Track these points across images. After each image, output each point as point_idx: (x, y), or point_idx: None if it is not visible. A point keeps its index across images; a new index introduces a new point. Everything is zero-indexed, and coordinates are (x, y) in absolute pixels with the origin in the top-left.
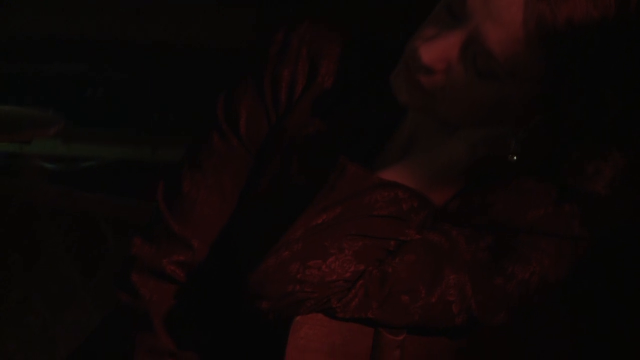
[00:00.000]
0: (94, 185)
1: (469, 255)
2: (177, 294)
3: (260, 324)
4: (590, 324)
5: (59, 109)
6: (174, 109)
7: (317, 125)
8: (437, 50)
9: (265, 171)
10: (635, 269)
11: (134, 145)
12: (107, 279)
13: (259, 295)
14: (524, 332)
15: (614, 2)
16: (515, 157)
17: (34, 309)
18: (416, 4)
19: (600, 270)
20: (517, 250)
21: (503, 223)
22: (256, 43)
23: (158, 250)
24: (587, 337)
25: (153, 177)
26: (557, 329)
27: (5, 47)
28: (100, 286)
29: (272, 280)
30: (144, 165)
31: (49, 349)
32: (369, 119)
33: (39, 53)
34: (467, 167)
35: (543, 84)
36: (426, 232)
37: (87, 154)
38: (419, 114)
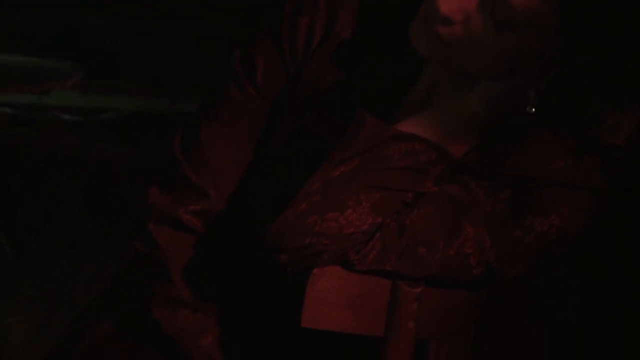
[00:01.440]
0: (112, 136)
1: (488, 208)
2: (194, 244)
3: (278, 276)
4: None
5: (77, 61)
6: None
7: (334, 76)
8: (455, 0)
9: (281, 123)
10: None
11: (152, 97)
12: (126, 230)
13: (277, 248)
14: (541, 285)
15: None
16: (533, 109)
17: (54, 260)
18: None
19: (612, 236)
20: (536, 202)
21: (522, 175)
22: None
23: (175, 199)
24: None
25: (171, 128)
26: (574, 283)
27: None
28: (118, 237)
29: (289, 232)
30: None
31: (69, 299)
32: (387, 72)
33: (57, 5)
34: (485, 120)
35: (561, 35)
36: (444, 184)
37: (105, 105)
38: (437, 65)
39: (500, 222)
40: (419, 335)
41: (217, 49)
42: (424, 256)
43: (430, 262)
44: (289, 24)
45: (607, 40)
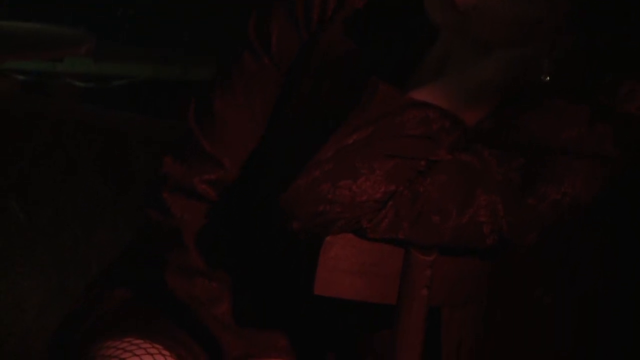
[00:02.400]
0: (125, 103)
1: (501, 176)
2: (208, 213)
3: (291, 244)
4: (614, 256)
5: (90, 28)
6: (204, 29)
7: (349, 45)
8: None
9: (295, 91)
10: None
11: (165, 64)
12: (138, 198)
13: (290, 216)
14: (554, 255)
15: None
16: (548, 78)
17: (67, 227)
18: None
19: (625, 205)
20: (550, 170)
21: (536, 143)
22: None
23: (189, 168)
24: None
25: (184, 95)
26: (587, 252)
27: None
28: (131, 205)
29: (302, 200)
30: (174, 84)
31: (82, 266)
32: (401, 41)
33: None
34: (499, 88)
35: (575, 2)
36: (458, 152)
37: (118, 72)
38: (451, 34)
39: (513, 190)
40: (431, 303)
41: (230, 16)
42: (436, 224)
43: (443, 230)
44: None
45: (622, 7)
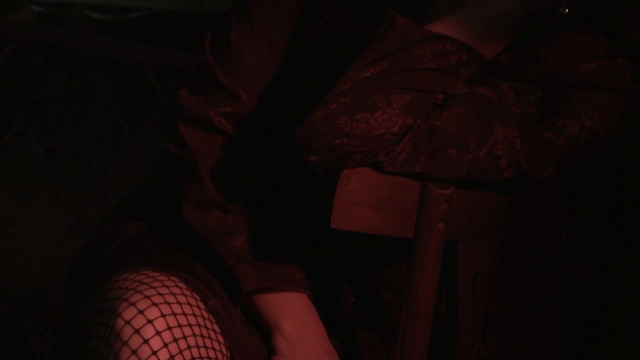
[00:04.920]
0: (142, 35)
1: (519, 109)
2: (225, 145)
3: (308, 177)
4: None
5: None
6: None
7: None
8: None
9: (312, 25)
10: None
11: None
12: (156, 129)
13: (307, 149)
14: (572, 188)
15: None
16: (567, 10)
17: (84, 159)
18: None
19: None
20: (568, 104)
21: (554, 76)
22: None
23: (205, 101)
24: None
25: (201, 27)
26: (606, 186)
27: None
28: (148, 137)
29: (319, 133)
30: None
31: (99, 198)
32: None
33: None
34: (518, 20)
35: None
36: (475, 85)
37: (136, 4)
38: None
39: (531, 124)
40: (448, 237)
41: None
42: (454, 158)
43: (460, 164)
44: None
45: None
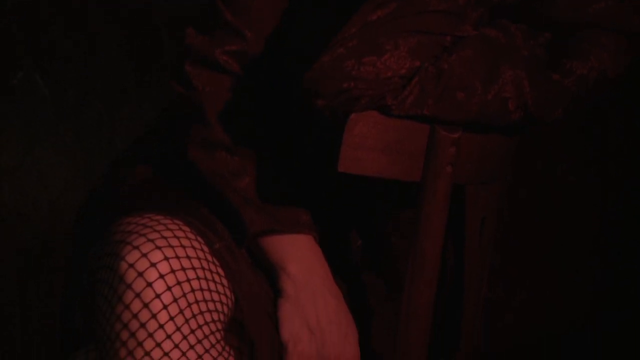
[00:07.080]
0: None
1: (527, 51)
2: (231, 85)
3: (315, 121)
4: None
5: None
6: None
7: None
8: None
9: None
10: None
11: None
12: (162, 74)
13: (314, 93)
14: (580, 131)
15: None
16: None
17: (91, 104)
18: None
19: None
20: (576, 45)
21: (562, 17)
22: None
23: (211, 39)
24: None
25: None
26: (614, 127)
27: None
28: (155, 81)
29: (327, 77)
30: None
31: (107, 143)
32: None
33: None
34: None
35: None
36: (483, 27)
37: None
38: None
39: (539, 66)
40: (456, 180)
41: None
42: (462, 100)
43: (468, 107)
44: None
45: None
